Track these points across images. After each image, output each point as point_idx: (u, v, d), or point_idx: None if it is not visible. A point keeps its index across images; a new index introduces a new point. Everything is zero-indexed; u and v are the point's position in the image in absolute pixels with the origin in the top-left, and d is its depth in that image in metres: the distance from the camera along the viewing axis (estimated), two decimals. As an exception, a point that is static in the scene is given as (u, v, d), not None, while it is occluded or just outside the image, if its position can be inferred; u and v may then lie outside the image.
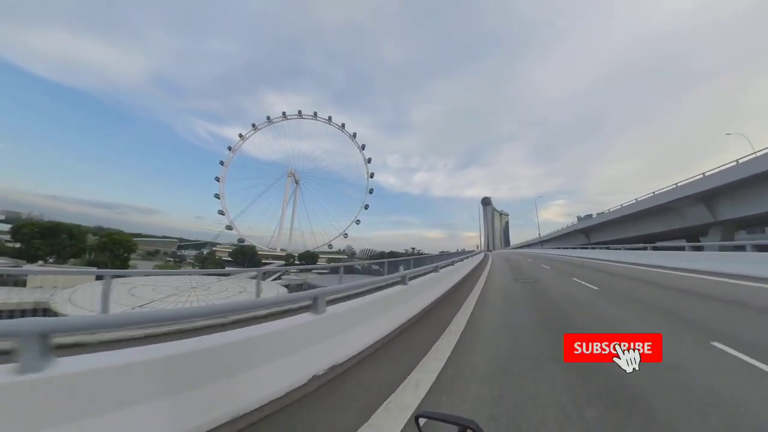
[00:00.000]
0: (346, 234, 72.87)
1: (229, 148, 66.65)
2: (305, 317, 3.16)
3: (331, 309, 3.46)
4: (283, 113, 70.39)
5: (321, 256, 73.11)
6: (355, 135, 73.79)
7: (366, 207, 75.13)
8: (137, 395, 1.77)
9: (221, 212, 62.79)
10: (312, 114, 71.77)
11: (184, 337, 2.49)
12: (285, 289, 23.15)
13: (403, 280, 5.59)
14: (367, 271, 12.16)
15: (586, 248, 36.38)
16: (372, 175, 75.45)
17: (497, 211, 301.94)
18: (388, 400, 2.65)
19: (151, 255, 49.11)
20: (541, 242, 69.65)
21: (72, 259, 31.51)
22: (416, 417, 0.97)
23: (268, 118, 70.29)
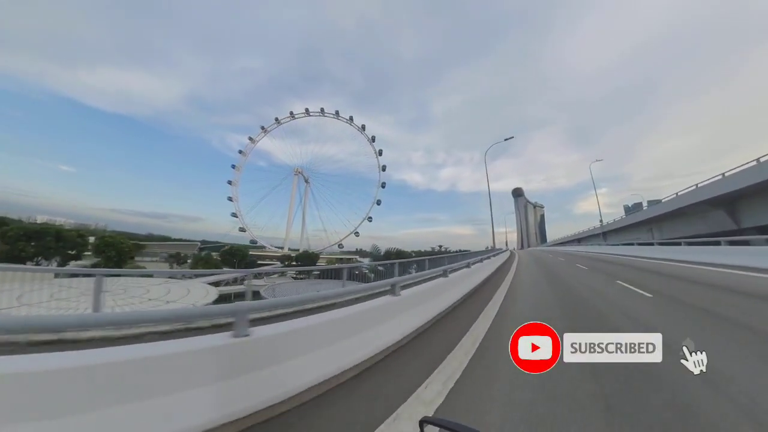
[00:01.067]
0: (357, 233, 68.94)
1: (240, 152, 68.49)
2: (386, 299, 4.40)
3: (404, 293, 4.78)
4: (291, 113, 70.24)
5: (327, 256, 67.63)
6: (363, 127, 70.33)
7: (378, 203, 70.24)
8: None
9: (234, 215, 64.59)
10: (319, 110, 70.47)
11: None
12: (214, 290, 19.84)
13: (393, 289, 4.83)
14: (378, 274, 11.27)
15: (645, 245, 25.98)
16: (384, 168, 70.42)
17: (530, 203, 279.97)
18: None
19: (172, 257, 51.38)
20: (580, 240, 60.25)
21: (73, 261, 31.16)
22: (421, 422, 0.97)
23: (277, 119, 70.23)
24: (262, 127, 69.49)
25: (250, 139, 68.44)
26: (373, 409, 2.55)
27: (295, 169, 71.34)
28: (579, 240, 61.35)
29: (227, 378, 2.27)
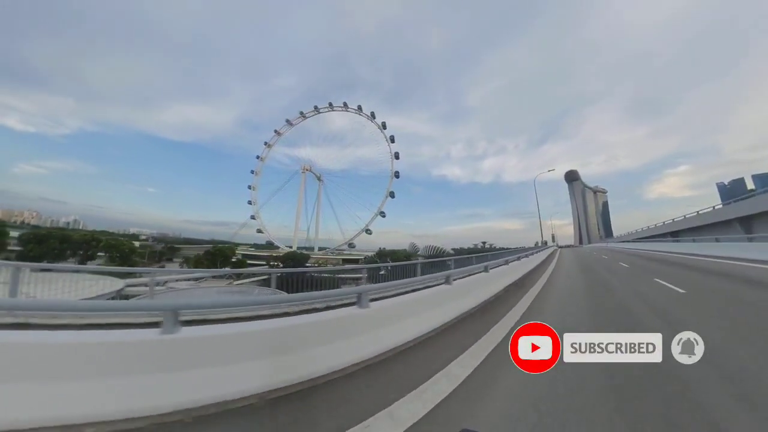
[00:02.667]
0: (369, 231, 64.18)
1: (258, 157, 69.86)
2: (442, 287, 5.67)
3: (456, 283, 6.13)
4: (301, 112, 70.57)
5: (321, 257, 62.52)
6: (373, 115, 66.64)
7: (392, 195, 64.81)
8: (244, 356, 2.78)
9: (253, 217, 66.82)
10: (328, 105, 69.69)
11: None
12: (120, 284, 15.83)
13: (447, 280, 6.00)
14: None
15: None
16: (397, 156, 65.04)
17: (589, 188, 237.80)
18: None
19: (190, 258, 52.87)
20: (676, 234, 34.99)
21: (89, 261, 35.39)
22: None
23: (288, 121, 70.54)
24: (276, 131, 70.05)
25: (266, 144, 69.67)
26: (449, 349, 3.93)
27: (303, 166, 69.29)
28: (674, 234, 35.88)
29: (449, 301, 5.66)
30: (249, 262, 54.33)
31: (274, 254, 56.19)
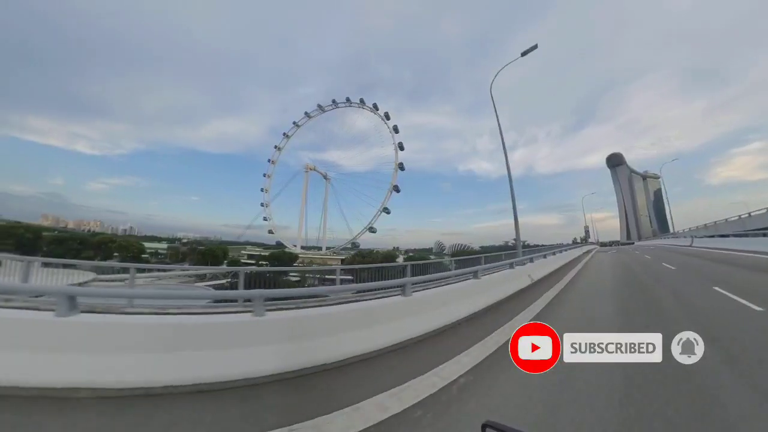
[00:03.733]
0: (373, 229, 59.40)
1: (269, 161, 69.72)
2: (469, 282, 6.49)
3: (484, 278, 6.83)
4: (306, 113, 69.71)
5: (316, 256, 59.79)
6: (375, 106, 63.58)
7: (396, 190, 59.51)
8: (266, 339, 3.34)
9: (266, 218, 67.38)
10: (331, 103, 68.55)
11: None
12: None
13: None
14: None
15: None
16: (401, 147, 60.05)
17: (637, 174, 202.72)
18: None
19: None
20: None
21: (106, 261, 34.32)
22: (483, 426, 0.98)
23: (295, 123, 69.95)
24: (284, 134, 70.20)
25: (276, 147, 69.40)
26: (483, 329, 4.68)
27: (306, 165, 67.69)
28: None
29: (474, 295, 6.03)
30: (243, 261, 53.91)
31: (263, 254, 56.73)
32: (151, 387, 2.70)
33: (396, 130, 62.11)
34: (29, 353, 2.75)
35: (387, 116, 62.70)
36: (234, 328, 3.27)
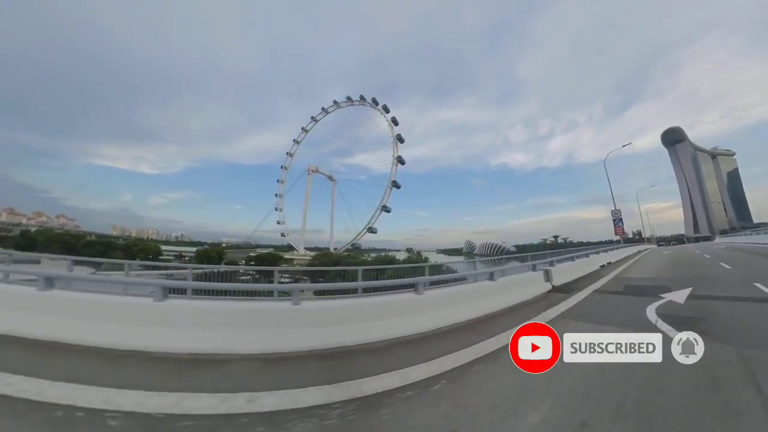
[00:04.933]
0: (374, 229, 56.32)
1: (282, 167, 70.86)
2: (486, 283, 6.58)
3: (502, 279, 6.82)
4: (312, 117, 69.89)
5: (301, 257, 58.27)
6: (375, 101, 61.32)
7: (396, 186, 55.72)
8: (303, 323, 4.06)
9: (279, 222, 68.77)
10: (333, 104, 67.57)
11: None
12: None
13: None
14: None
15: None
16: (399, 138, 56.60)
17: (704, 152, 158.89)
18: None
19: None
20: None
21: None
22: None
23: (303, 128, 70.64)
24: (295, 140, 71.44)
25: (288, 154, 71.21)
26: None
27: (309, 167, 67.34)
28: None
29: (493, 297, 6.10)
30: (239, 262, 55.19)
31: (251, 254, 57.94)
32: (230, 353, 3.56)
33: (395, 122, 58.72)
34: (148, 326, 3.83)
35: (386, 109, 59.81)
36: (280, 313, 4.07)
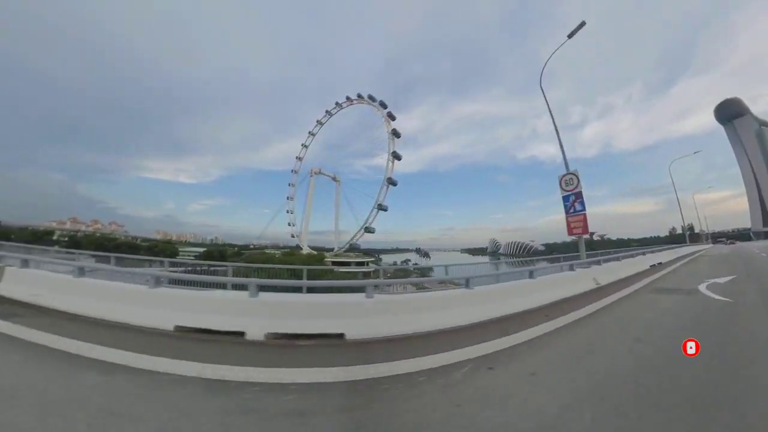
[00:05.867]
0: (371, 228, 53.88)
1: (293, 171, 72.37)
2: (527, 281, 6.75)
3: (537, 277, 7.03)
4: (318, 121, 70.49)
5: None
6: (371, 97, 60.70)
7: (392, 183, 52.92)
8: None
9: (290, 224, 70.99)
10: (336, 105, 67.88)
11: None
12: None
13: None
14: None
15: None
16: (395, 133, 54.24)
17: None
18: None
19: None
20: None
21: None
22: None
23: (311, 132, 72.12)
24: (303, 144, 73.18)
25: (298, 158, 72.81)
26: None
27: (312, 170, 68.12)
28: None
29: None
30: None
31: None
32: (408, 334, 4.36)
33: (392, 117, 56.60)
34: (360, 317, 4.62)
35: (383, 105, 58.48)
36: (352, 306, 4.71)
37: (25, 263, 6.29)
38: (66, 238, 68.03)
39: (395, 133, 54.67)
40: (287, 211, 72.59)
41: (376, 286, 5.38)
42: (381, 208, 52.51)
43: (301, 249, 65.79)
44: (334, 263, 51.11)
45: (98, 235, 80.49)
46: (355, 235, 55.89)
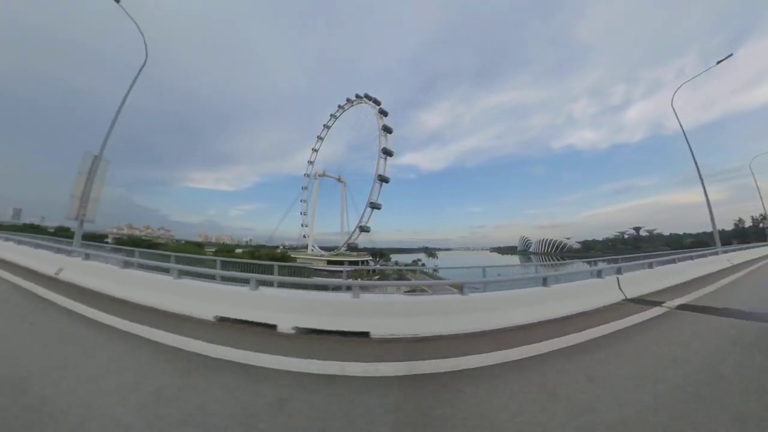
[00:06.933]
0: (366, 228, 52.88)
1: (305, 175, 74.12)
2: (538, 289, 6.08)
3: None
4: (325, 125, 72.33)
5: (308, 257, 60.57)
6: (368, 96, 61.11)
7: (383, 180, 51.21)
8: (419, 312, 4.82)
9: (303, 225, 73.28)
10: (339, 107, 68.87)
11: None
12: None
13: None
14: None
15: None
16: (386, 129, 52.85)
17: None
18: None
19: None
20: None
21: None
22: None
23: (319, 137, 74.23)
24: (313, 149, 74.55)
25: (309, 162, 74.38)
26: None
27: (316, 172, 70.14)
28: None
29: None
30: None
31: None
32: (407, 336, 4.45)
33: (384, 113, 55.76)
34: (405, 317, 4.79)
35: (376, 102, 59.15)
36: (444, 303, 4.99)
37: (86, 256, 7.72)
38: (113, 240, 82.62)
39: (386, 129, 53.99)
40: (301, 213, 75.07)
41: (362, 287, 5.30)
42: (374, 206, 51.54)
43: (313, 248, 68.74)
44: (329, 263, 52.13)
45: (144, 237, 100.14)
46: (351, 235, 56.23)
